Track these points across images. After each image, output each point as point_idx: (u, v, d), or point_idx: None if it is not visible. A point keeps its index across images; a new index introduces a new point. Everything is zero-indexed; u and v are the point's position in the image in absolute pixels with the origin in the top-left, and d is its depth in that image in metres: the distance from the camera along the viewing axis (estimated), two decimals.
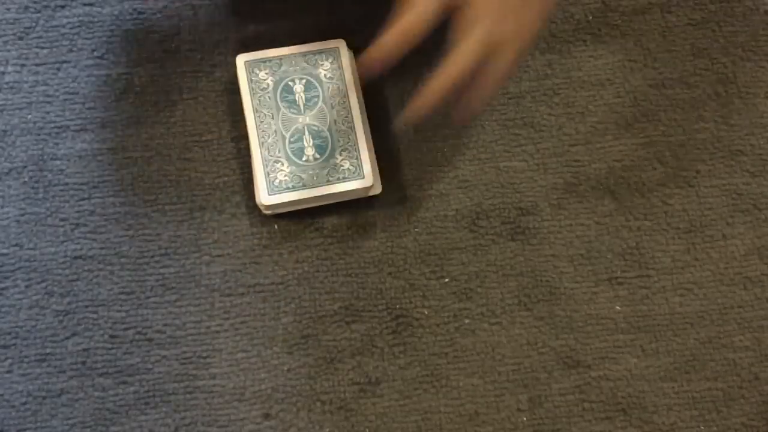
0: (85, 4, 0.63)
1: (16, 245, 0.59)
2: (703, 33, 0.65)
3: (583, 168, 0.62)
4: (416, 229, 0.61)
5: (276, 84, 0.59)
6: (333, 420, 0.57)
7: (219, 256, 0.59)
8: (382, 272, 0.60)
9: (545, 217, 0.61)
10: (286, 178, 0.57)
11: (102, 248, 0.59)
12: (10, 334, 0.58)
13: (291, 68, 0.59)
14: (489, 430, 0.58)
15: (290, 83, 0.59)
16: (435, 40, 0.50)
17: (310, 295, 0.59)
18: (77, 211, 0.60)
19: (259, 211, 0.60)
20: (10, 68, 0.62)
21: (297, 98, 0.59)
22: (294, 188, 0.57)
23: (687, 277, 0.60)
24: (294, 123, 0.58)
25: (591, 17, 0.65)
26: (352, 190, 0.58)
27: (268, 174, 0.57)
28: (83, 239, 0.59)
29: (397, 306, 0.59)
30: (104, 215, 0.60)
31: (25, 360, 0.58)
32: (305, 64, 0.59)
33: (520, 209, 0.61)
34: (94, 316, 0.58)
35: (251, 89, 0.59)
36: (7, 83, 0.61)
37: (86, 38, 0.62)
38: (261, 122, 0.58)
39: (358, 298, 0.59)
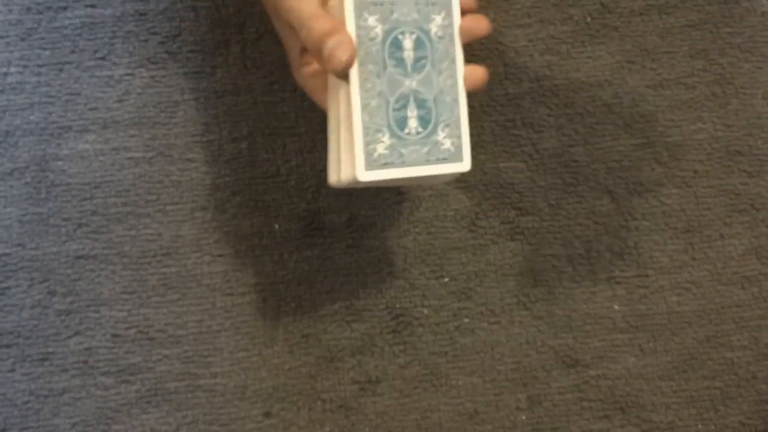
0: (87, 6, 0.63)
1: (18, 245, 0.59)
2: (701, 34, 0.65)
3: (582, 168, 0.62)
4: (416, 229, 0.61)
5: (386, 35, 0.48)
6: (333, 418, 0.58)
7: (220, 255, 0.60)
8: (382, 272, 0.60)
9: (544, 217, 0.61)
10: (386, 151, 0.48)
11: (104, 248, 0.59)
12: (12, 333, 0.58)
13: (402, 18, 0.49)
14: (488, 428, 0.58)
15: (400, 36, 0.49)
16: None
17: (310, 295, 0.60)
18: (79, 211, 0.60)
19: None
20: (12, 69, 0.62)
21: (406, 56, 0.49)
22: (393, 164, 0.48)
23: (685, 276, 0.61)
24: (399, 86, 0.49)
25: (590, 18, 0.65)
26: (447, 174, 0.50)
27: (368, 144, 0.47)
28: (85, 239, 0.59)
29: (397, 305, 0.60)
30: (106, 215, 0.60)
31: (28, 359, 0.58)
32: (416, 15, 0.49)
33: (519, 209, 0.61)
34: (96, 315, 0.59)
35: (358, 36, 0.48)
36: (9, 84, 0.62)
37: (88, 39, 0.63)
38: (365, 80, 0.48)
39: (358, 297, 0.60)
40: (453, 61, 0.50)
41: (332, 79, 0.50)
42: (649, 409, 0.59)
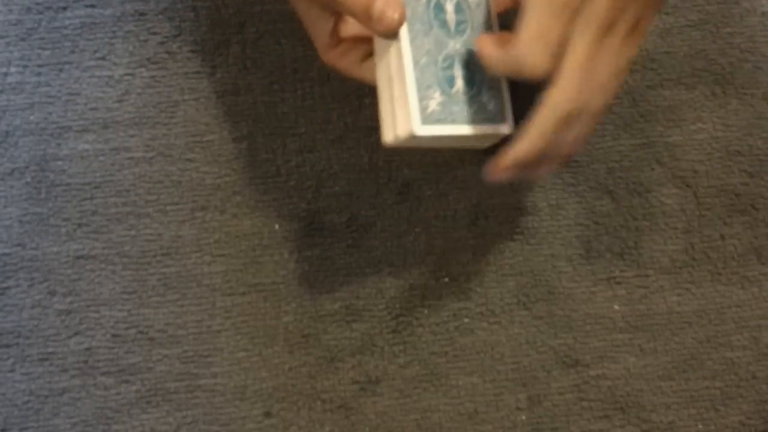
0: (87, 6, 0.63)
1: (18, 245, 0.59)
2: (701, 34, 0.65)
3: (582, 168, 0.62)
4: (416, 229, 0.61)
5: None
6: (333, 418, 0.58)
7: (220, 255, 0.60)
8: (382, 272, 0.60)
9: (544, 217, 0.61)
10: (438, 108, 0.50)
11: (104, 248, 0.60)
12: (12, 333, 0.58)
13: None
14: (488, 428, 0.58)
15: (442, 0, 0.51)
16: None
17: (310, 295, 0.60)
18: (79, 211, 0.60)
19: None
20: (12, 69, 0.62)
21: (448, 19, 0.51)
22: (445, 121, 0.50)
23: (685, 276, 0.61)
24: (445, 47, 0.51)
25: None
26: (492, 134, 0.52)
27: (422, 100, 0.49)
28: (85, 239, 0.60)
29: (397, 305, 0.60)
30: (106, 215, 0.60)
31: (28, 359, 0.58)
32: None
33: (519, 209, 0.61)
34: (96, 315, 0.59)
35: None
36: (9, 84, 0.62)
37: (88, 39, 0.63)
38: (414, 38, 0.49)
39: (358, 297, 0.60)
40: (489, 29, 0.52)
41: (379, 43, 0.52)
42: (649, 409, 0.59)
